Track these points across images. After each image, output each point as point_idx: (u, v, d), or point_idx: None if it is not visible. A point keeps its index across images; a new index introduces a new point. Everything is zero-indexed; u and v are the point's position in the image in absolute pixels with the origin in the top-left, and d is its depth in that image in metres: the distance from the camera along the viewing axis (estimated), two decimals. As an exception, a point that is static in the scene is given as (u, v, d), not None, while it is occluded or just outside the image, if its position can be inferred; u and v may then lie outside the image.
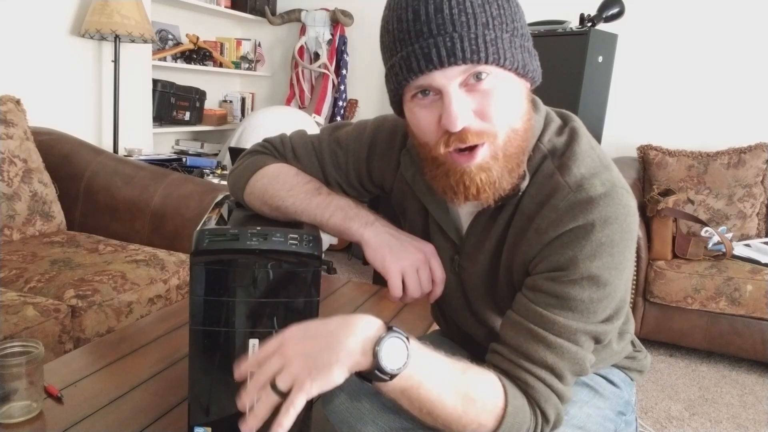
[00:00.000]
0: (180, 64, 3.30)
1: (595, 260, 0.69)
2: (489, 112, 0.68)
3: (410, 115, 0.73)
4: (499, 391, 0.70)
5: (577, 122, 0.78)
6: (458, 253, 0.84)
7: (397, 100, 0.75)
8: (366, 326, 0.63)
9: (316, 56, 3.63)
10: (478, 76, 0.67)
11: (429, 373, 0.65)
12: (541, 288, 0.72)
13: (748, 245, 2.41)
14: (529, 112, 0.74)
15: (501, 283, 0.81)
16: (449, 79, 0.66)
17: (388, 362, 0.61)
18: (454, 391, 0.66)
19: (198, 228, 0.77)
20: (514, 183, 0.73)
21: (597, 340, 0.74)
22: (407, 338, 0.63)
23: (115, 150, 2.62)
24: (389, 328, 0.64)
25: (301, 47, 3.63)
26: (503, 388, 0.70)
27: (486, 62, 0.65)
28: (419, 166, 0.80)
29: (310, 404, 0.82)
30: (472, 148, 0.69)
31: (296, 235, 0.76)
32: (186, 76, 3.48)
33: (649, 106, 2.94)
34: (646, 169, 2.66)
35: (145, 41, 2.60)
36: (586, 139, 0.76)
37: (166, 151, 3.26)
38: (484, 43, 0.65)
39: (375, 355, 0.61)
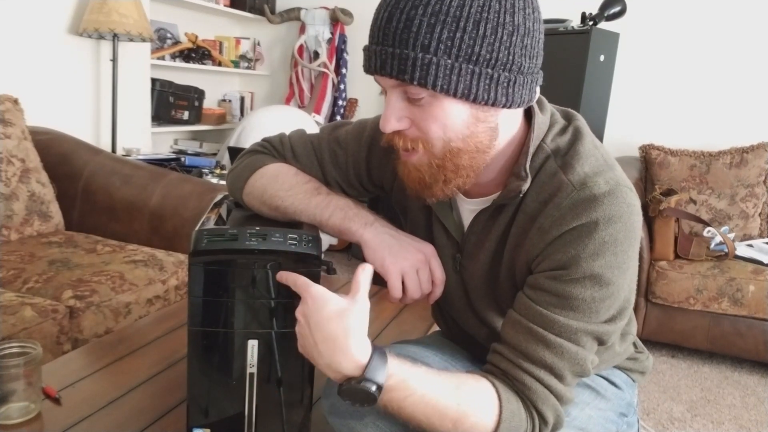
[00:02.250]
0: (179, 63, 3.29)
1: (598, 259, 0.69)
2: (422, 125, 0.70)
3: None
4: (494, 400, 0.70)
5: (581, 121, 0.78)
6: (460, 251, 0.84)
7: None
8: (347, 363, 0.66)
9: (316, 55, 3.62)
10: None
11: (409, 403, 0.67)
12: (543, 287, 0.71)
13: (750, 245, 2.41)
14: (490, 132, 0.71)
15: (502, 282, 0.80)
16: (389, 85, 0.69)
17: (352, 401, 0.67)
18: (440, 414, 0.68)
19: (197, 228, 0.77)
20: (452, 192, 0.75)
21: (600, 341, 0.74)
22: (378, 389, 0.65)
23: (114, 149, 2.61)
24: (370, 364, 0.65)
25: (301, 46, 3.62)
26: (497, 396, 0.70)
27: (413, 82, 0.66)
28: None
29: (309, 405, 0.81)
30: (412, 149, 0.72)
31: (295, 236, 0.76)
32: (185, 75, 3.47)
33: (651, 105, 2.93)
34: (648, 169, 2.65)
35: (144, 40, 2.60)
36: (589, 138, 0.75)
37: (164, 151, 3.25)
38: (413, 65, 0.65)
39: (341, 392, 0.67)
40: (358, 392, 0.65)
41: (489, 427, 0.69)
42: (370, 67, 0.69)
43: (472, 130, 0.70)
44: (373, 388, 0.65)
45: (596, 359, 0.74)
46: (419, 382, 0.67)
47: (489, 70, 0.66)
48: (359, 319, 0.67)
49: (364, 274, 0.71)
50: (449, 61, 0.65)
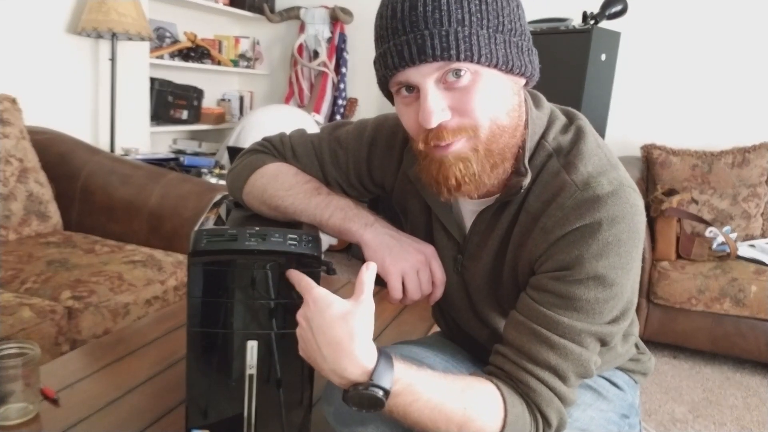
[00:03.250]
0: (178, 63, 3.29)
1: (602, 260, 0.68)
2: (468, 108, 0.67)
3: (396, 110, 0.75)
4: (499, 404, 0.69)
5: (583, 120, 0.77)
6: (461, 252, 0.84)
7: (385, 94, 0.76)
8: (353, 369, 0.64)
9: (316, 54, 3.62)
10: (456, 73, 0.67)
11: (415, 408, 0.66)
12: (546, 288, 0.71)
13: (752, 246, 2.40)
14: (520, 108, 0.73)
15: (505, 282, 0.80)
16: (423, 76, 0.67)
17: (358, 407, 0.65)
18: (445, 419, 0.66)
19: (196, 228, 0.77)
20: (500, 179, 0.73)
21: (603, 342, 0.73)
22: (386, 395, 0.63)
23: (112, 149, 2.61)
24: (377, 369, 0.64)
25: (300, 45, 3.62)
26: (503, 400, 0.70)
27: (458, 59, 0.65)
28: None
29: (309, 406, 0.81)
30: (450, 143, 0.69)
31: (295, 236, 0.75)
32: (184, 74, 3.47)
33: (652, 104, 2.93)
34: (649, 169, 2.65)
35: (143, 39, 2.60)
36: (592, 137, 0.75)
37: (163, 151, 3.25)
38: (455, 40, 0.64)
39: (346, 398, 0.65)
40: (364, 398, 0.64)
41: (495, 427, 0.68)
42: (403, 60, 0.66)
43: (512, 104, 0.71)
44: (380, 393, 0.63)
45: (599, 360, 0.74)
46: (425, 386, 0.66)
47: (514, 39, 0.69)
48: (364, 322, 0.65)
49: (369, 274, 0.68)
50: (484, 32, 0.66)
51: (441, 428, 0.67)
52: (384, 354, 0.65)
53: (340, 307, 0.65)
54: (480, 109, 0.67)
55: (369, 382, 0.63)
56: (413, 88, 0.69)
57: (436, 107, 0.67)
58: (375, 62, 0.72)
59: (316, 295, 0.66)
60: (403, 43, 0.66)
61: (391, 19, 0.67)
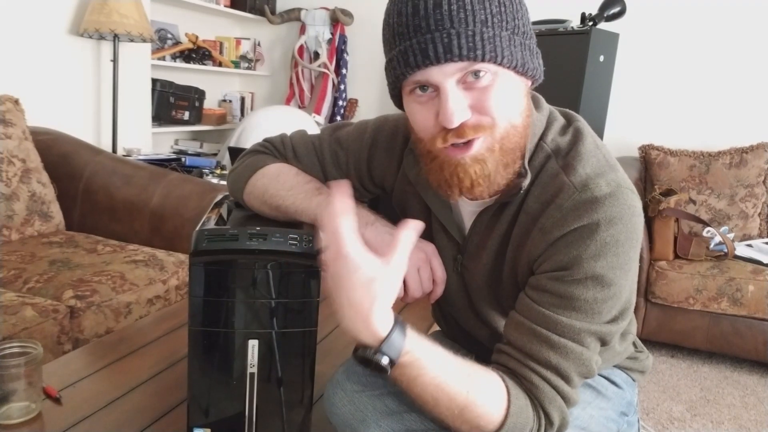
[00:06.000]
0: (179, 64, 3.30)
1: (600, 260, 0.69)
2: (487, 106, 0.68)
3: (408, 109, 0.74)
4: (503, 394, 0.69)
5: (581, 122, 0.78)
6: (461, 252, 0.84)
7: (396, 93, 0.75)
8: (366, 333, 0.63)
9: (316, 55, 3.62)
10: (476, 74, 0.67)
11: (419, 383, 0.66)
12: (545, 288, 0.71)
13: (749, 245, 2.41)
14: (529, 109, 0.74)
15: (504, 282, 0.80)
16: (446, 75, 0.67)
17: (363, 366, 0.65)
18: (448, 398, 0.66)
19: (197, 228, 0.77)
20: (509, 179, 0.73)
21: (603, 342, 0.73)
22: (391, 363, 0.63)
23: (114, 150, 2.61)
24: (388, 339, 0.63)
25: (301, 46, 3.62)
26: (507, 391, 0.69)
27: (483, 60, 0.65)
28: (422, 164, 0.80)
29: (310, 404, 0.81)
30: (468, 141, 0.69)
31: (296, 236, 0.76)
32: (185, 75, 3.48)
33: (650, 105, 2.94)
34: (647, 169, 2.65)
35: (144, 40, 2.60)
36: (590, 138, 0.75)
37: (165, 151, 3.25)
38: (481, 41, 0.65)
39: (355, 355, 0.65)
40: (370, 362, 0.64)
41: (496, 420, 0.68)
42: (427, 59, 0.65)
43: (523, 104, 0.72)
44: (386, 361, 0.63)
45: (600, 360, 0.74)
46: (433, 363, 0.66)
47: (527, 41, 0.70)
48: (388, 288, 0.63)
49: (407, 233, 0.64)
50: (505, 34, 0.66)
51: (442, 407, 0.67)
52: (399, 324, 0.65)
53: (367, 272, 0.62)
54: (497, 108, 0.68)
55: (377, 348, 0.63)
56: (428, 87, 0.69)
57: (458, 107, 0.67)
58: (391, 60, 0.70)
59: (347, 254, 0.62)
60: (428, 41, 0.65)
61: (412, 16, 0.66)
